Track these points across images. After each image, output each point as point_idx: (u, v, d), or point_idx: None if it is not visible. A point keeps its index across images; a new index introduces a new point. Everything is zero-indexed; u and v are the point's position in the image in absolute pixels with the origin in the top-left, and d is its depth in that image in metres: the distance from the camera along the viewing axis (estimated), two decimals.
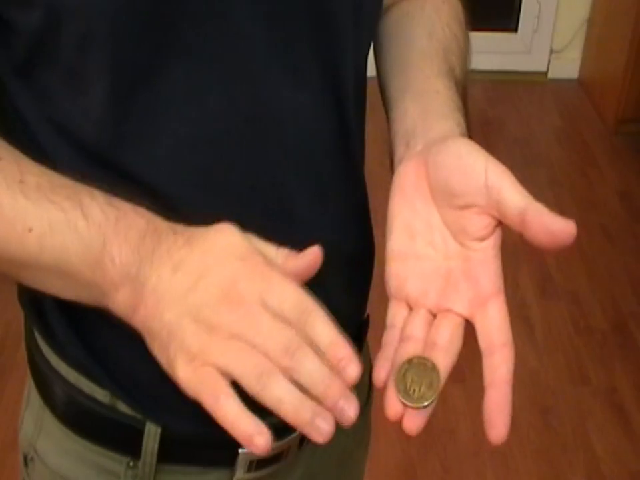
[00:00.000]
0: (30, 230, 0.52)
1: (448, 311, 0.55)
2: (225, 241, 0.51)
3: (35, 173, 0.53)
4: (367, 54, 0.67)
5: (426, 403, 0.53)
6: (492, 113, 3.02)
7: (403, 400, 0.53)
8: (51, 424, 0.69)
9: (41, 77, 0.55)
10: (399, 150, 0.60)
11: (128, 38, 0.52)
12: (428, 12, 0.69)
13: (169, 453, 0.66)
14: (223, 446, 0.68)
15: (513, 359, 0.52)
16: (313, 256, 0.51)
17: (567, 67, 3.20)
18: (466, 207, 0.53)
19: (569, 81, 3.20)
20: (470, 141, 0.55)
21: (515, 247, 2.55)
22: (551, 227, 0.49)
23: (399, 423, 0.53)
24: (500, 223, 0.53)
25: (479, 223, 0.53)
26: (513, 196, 0.51)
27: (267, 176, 0.60)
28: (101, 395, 0.65)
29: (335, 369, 0.49)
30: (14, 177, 0.52)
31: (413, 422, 0.53)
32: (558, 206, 2.57)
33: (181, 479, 0.68)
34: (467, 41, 0.70)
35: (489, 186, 0.51)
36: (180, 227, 0.52)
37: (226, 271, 0.49)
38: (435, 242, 0.56)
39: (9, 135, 0.59)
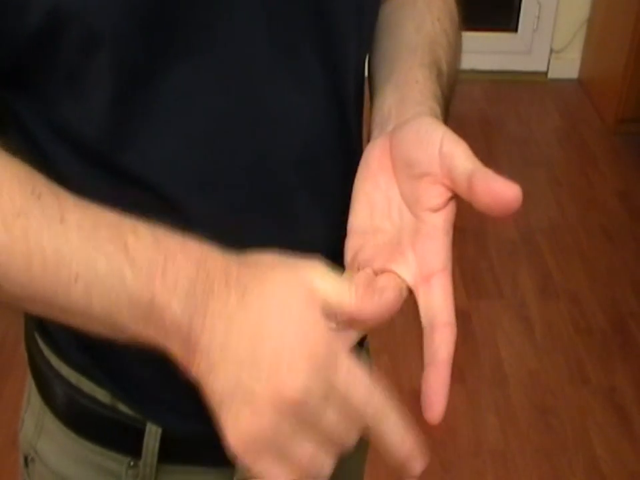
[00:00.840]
0: (76, 280, 0.48)
1: (392, 272, 0.53)
2: (282, 300, 0.47)
3: (75, 210, 0.49)
4: (366, 55, 0.67)
5: None
6: (492, 113, 3.02)
7: None
8: (52, 425, 0.69)
9: (42, 81, 0.55)
10: (374, 135, 0.61)
11: (130, 41, 0.52)
12: (419, 6, 0.69)
13: (169, 453, 0.66)
14: (223, 446, 0.68)
15: (454, 340, 0.50)
16: (391, 298, 0.48)
17: (567, 66, 3.20)
18: (421, 175, 0.53)
19: (569, 80, 3.20)
20: (433, 119, 0.56)
21: (514, 247, 2.56)
22: (495, 188, 0.48)
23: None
24: (453, 197, 0.53)
25: (433, 191, 0.53)
26: (463, 161, 0.51)
27: (268, 176, 0.60)
28: (101, 395, 0.65)
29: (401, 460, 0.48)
30: (55, 217, 0.48)
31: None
32: (558, 206, 2.57)
33: (182, 479, 0.68)
34: (457, 38, 0.70)
35: (442, 153, 0.52)
36: (234, 271, 0.48)
37: (287, 350, 0.45)
38: (392, 215, 0.56)
39: (9, 140, 0.59)
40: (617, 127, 2.88)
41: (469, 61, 2.99)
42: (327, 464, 0.46)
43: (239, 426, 0.46)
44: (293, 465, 0.46)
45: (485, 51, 3.09)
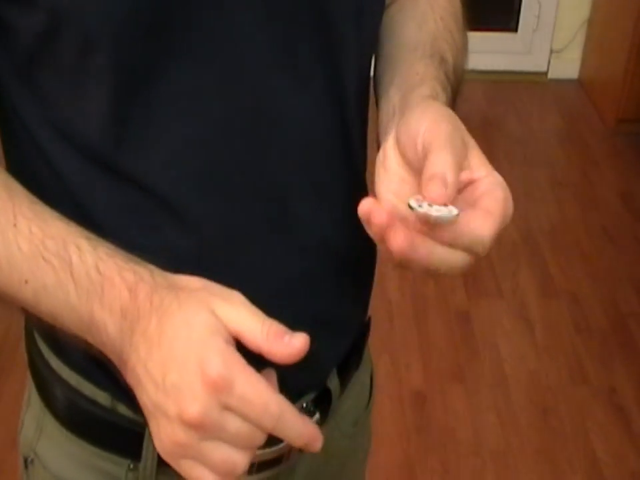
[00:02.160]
0: (26, 282, 0.53)
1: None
2: (190, 328, 0.49)
3: (27, 216, 0.54)
4: (370, 56, 0.67)
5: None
6: (492, 113, 3.02)
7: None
8: (52, 427, 0.68)
9: (43, 80, 0.55)
10: (380, 137, 0.61)
11: (129, 41, 0.52)
12: (422, 7, 0.69)
13: None
14: None
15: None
16: (299, 344, 0.50)
17: (567, 66, 3.20)
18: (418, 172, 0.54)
19: (569, 81, 3.20)
20: (424, 107, 0.56)
21: (515, 247, 2.56)
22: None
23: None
24: None
25: None
26: (430, 167, 0.52)
27: (268, 177, 0.60)
28: (102, 397, 0.65)
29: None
30: (8, 220, 0.53)
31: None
32: (558, 206, 2.57)
33: None
34: (462, 37, 0.69)
35: (419, 155, 0.53)
36: (158, 296, 0.51)
37: (185, 381, 0.48)
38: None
39: (9, 139, 0.59)
40: (617, 126, 2.88)
41: (469, 61, 2.98)
42: (240, 462, 0.49)
43: (160, 436, 0.50)
44: (210, 466, 0.49)
45: (485, 50, 3.09)
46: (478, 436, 1.88)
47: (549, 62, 3.20)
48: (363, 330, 0.78)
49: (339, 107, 0.62)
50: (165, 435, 0.49)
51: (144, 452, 0.65)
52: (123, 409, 0.65)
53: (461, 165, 0.53)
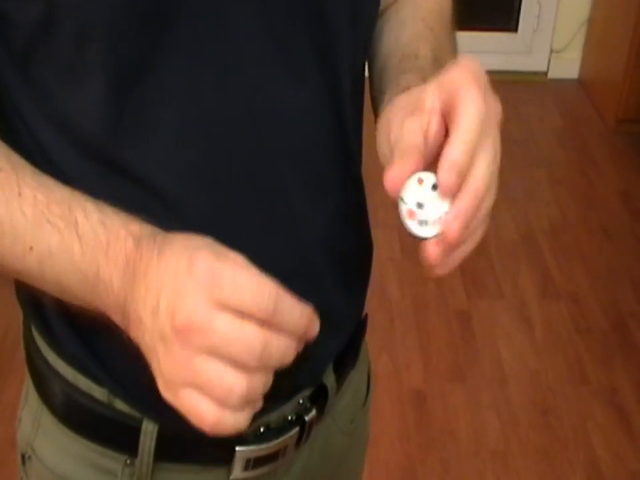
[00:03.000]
0: (30, 249, 0.53)
1: None
2: (183, 259, 0.49)
3: (32, 185, 0.54)
4: (365, 53, 0.67)
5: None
6: None
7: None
8: (49, 422, 0.69)
9: (40, 73, 0.55)
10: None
11: (126, 34, 0.52)
12: (404, 12, 0.69)
13: (166, 451, 0.66)
14: (220, 444, 0.68)
15: None
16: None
17: (567, 66, 3.20)
18: None
19: (569, 80, 3.20)
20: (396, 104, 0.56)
21: (515, 247, 2.56)
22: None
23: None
24: None
25: None
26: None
27: (264, 172, 0.60)
28: (98, 392, 0.65)
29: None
30: (12, 190, 0.53)
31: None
32: (558, 206, 2.57)
33: (178, 477, 0.68)
34: (448, 33, 0.70)
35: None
36: (164, 239, 0.51)
37: (176, 286, 0.48)
38: None
39: (8, 133, 0.59)
40: (617, 126, 2.88)
41: None
42: (236, 384, 0.48)
43: (160, 370, 0.49)
44: (206, 390, 0.48)
45: (485, 50, 3.09)
46: (478, 436, 1.88)
47: (549, 62, 3.20)
48: (359, 326, 0.78)
49: (335, 102, 0.62)
50: (163, 365, 0.49)
51: (140, 447, 0.65)
52: (119, 404, 0.65)
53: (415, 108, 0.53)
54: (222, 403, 0.48)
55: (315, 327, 0.50)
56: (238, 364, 0.48)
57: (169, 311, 0.48)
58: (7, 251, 0.54)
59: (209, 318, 0.47)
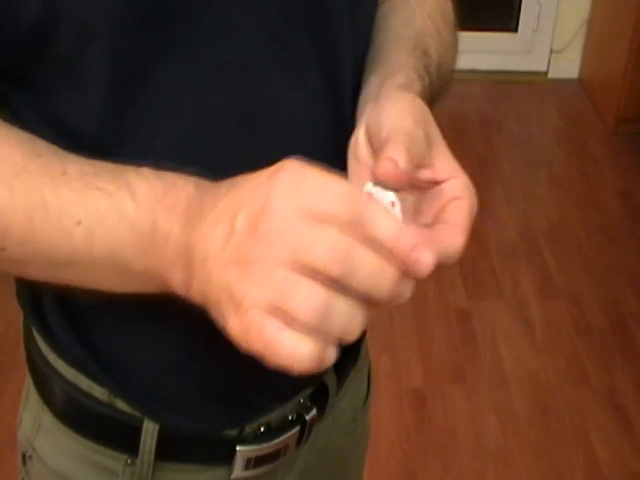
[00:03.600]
0: (78, 222, 0.50)
1: None
2: (266, 172, 0.46)
3: (77, 162, 0.52)
4: (365, 50, 0.67)
5: None
6: (492, 113, 3.02)
7: None
8: (49, 422, 0.69)
9: (39, 75, 0.55)
10: (357, 122, 0.60)
11: (127, 35, 0.52)
12: (411, 5, 0.69)
13: (167, 451, 0.66)
14: (220, 443, 0.68)
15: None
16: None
17: (567, 66, 3.20)
18: None
19: (569, 80, 3.20)
20: (391, 105, 0.55)
21: (514, 247, 2.56)
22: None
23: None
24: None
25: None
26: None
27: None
28: (99, 392, 0.65)
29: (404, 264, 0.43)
30: (56, 170, 0.51)
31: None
32: (558, 206, 2.57)
33: (179, 477, 0.68)
34: (451, 36, 0.69)
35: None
36: (234, 180, 0.48)
37: (257, 198, 0.44)
38: None
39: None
40: (617, 126, 2.88)
41: (469, 61, 2.99)
42: (318, 298, 0.42)
43: (234, 304, 0.44)
44: (290, 309, 0.43)
45: (485, 50, 3.09)
46: (478, 436, 1.88)
47: (549, 62, 3.20)
48: None
49: (335, 101, 0.62)
50: (238, 291, 0.43)
51: (141, 446, 0.65)
52: (120, 404, 0.65)
53: (418, 160, 0.52)
54: (304, 324, 0.43)
55: (424, 258, 0.43)
56: (322, 278, 0.42)
57: (248, 224, 0.44)
58: (51, 234, 0.50)
59: (293, 220, 0.43)
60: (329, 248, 0.42)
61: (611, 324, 2.18)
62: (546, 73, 3.22)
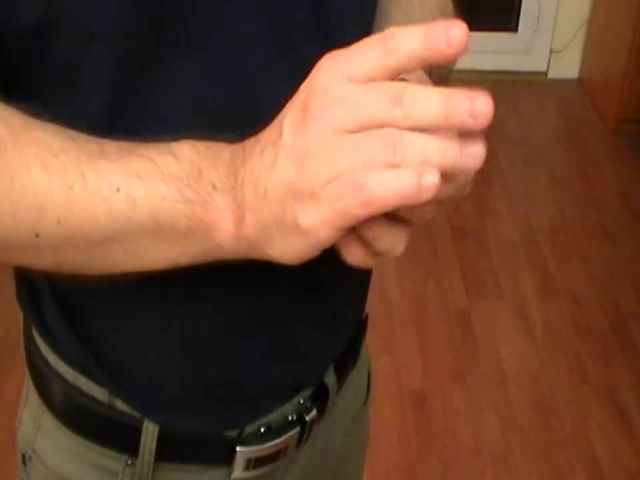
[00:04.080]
0: (118, 189, 0.49)
1: None
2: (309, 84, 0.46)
3: (114, 142, 0.51)
4: None
5: None
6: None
7: None
8: (49, 423, 0.69)
9: (39, 77, 0.55)
10: None
11: (127, 36, 0.52)
12: (411, 0, 0.69)
13: (167, 451, 0.66)
14: (221, 444, 0.68)
15: None
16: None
17: (567, 66, 3.20)
18: None
19: (569, 80, 3.20)
20: None
21: (514, 247, 2.56)
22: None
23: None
24: None
25: None
26: None
27: None
28: (99, 393, 0.65)
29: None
30: (93, 149, 0.50)
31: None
32: (558, 206, 2.57)
33: (179, 477, 0.68)
34: None
35: None
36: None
37: (301, 92, 0.45)
38: None
39: None
40: (617, 126, 2.88)
41: (469, 61, 2.98)
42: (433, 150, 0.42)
43: (306, 190, 0.44)
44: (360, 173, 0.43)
45: (485, 50, 3.09)
46: (478, 436, 1.88)
47: (549, 62, 3.20)
48: (360, 327, 0.78)
49: None
50: (303, 178, 0.44)
51: (141, 447, 0.65)
52: (120, 405, 0.65)
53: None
54: (389, 163, 0.42)
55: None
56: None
57: (296, 119, 0.45)
58: (89, 207, 0.49)
59: (341, 89, 0.43)
60: (386, 97, 0.43)
61: (611, 324, 2.18)
62: (546, 73, 3.22)
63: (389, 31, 0.44)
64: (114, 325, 0.63)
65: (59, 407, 0.68)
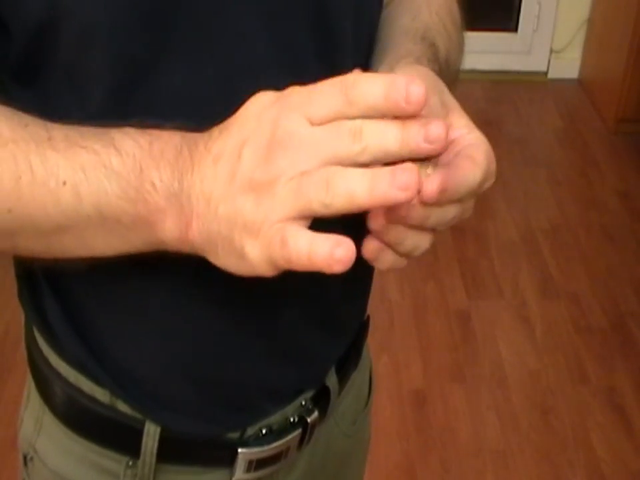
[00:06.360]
0: (64, 183, 0.50)
1: None
2: (257, 104, 0.48)
3: (63, 128, 0.52)
4: (369, 53, 0.67)
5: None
6: (492, 113, 3.02)
7: None
8: (51, 423, 0.69)
9: (40, 78, 0.55)
10: None
11: (128, 36, 0.52)
12: (418, 3, 0.69)
13: (168, 453, 0.66)
14: (222, 446, 0.68)
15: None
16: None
17: (567, 66, 3.20)
18: None
19: (569, 80, 3.20)
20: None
21: (514, 247, 2.56)
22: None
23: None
24: None
25: None
26: None
27: None
28: (100, 394, 0.65)
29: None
30: (42, 137, 0.51)
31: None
32: (558, 206, 2.57)
33: (180, 479, 0.68)
34: (458, 34, 0.69)
35: None
36: (217, 128, 0.50)
37: (264, 125, 0.46)
38: None
39: None
40: (617, 126, 2.88)
41: (469, 61, 2.96)
42: (357, 181, 0.44)
43: (251, 231, 0.46)
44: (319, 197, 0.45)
45: (485, 50, 3.09)
46: (478, 436, 1.89)
47: (549, 62, 3.20)
48: (361, 329, 0.78)
49: None
50: (252, 214, 0.46)
51: (142, 448, 0.65)
52: (121, 406, 0.65)
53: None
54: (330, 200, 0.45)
55: (413, 89, 0.44)
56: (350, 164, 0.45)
57: (258, 152, 0.46)
58: (38, 198, 0.51)
59: (304, 131, 0.45)
60: (346, 138, 0.45)
61: (610, 324, 2.18)
62: (546, 73, 3.22)
63: (351, 79, 0.46)
64: (116, 326, 0.63)
65: (60, 408, 0.68)
